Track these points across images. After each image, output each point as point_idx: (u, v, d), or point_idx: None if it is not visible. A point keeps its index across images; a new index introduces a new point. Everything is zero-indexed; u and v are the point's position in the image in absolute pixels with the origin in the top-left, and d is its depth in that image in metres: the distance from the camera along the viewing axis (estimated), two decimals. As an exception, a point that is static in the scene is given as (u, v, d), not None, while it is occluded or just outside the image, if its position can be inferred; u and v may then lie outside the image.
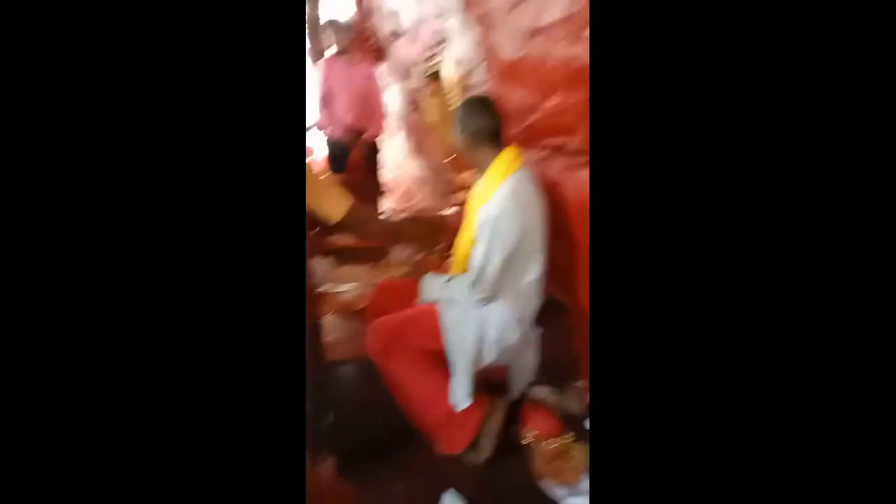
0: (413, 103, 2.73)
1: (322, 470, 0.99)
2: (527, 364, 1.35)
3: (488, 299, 1.28)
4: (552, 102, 1.21)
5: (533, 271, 1.28)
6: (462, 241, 1.40)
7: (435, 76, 2.25)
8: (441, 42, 1.85)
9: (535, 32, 1.19)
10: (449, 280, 1.35)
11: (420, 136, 2.88)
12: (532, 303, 1.30)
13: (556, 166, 1.33)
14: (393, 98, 3.03)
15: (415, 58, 2.31)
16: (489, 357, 1.28)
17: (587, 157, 1.13)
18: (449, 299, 1.32)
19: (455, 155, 2.31)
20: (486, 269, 1.24)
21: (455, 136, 1.31)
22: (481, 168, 1.31)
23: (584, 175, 1.19)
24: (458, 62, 1.64)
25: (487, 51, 1.50)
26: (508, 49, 1.36)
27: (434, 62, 2.07)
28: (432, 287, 1.36)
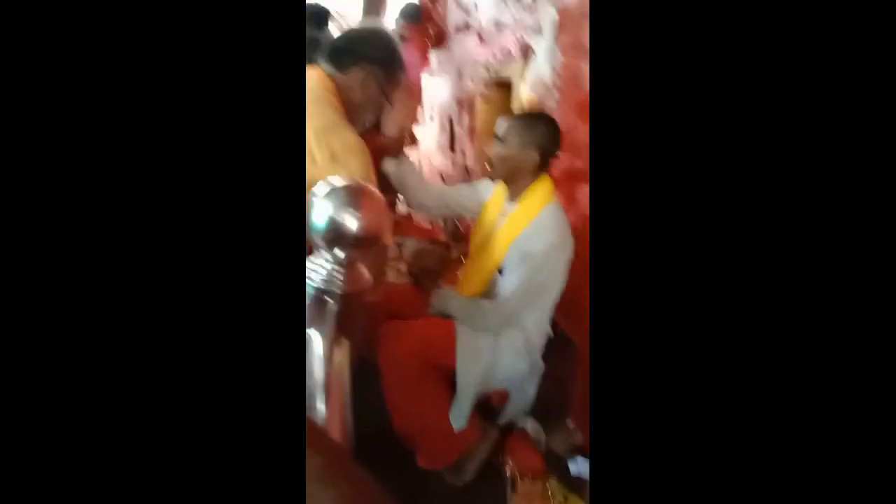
0: (461, 102, 2.69)
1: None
2: (526, 394, 1.35)
3: (506, 327, 1.27)
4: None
5: (551, 303, 1.27)
6: (484, 262, 1.33)
7: (497, 85, 2.22)
8: (521, 55, 1.82)
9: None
10: (469, 303, 1.30)
11: (456, 134, 2.85)
12: (544, 334, 1.30)
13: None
14: (439, 90, 2.99)
15: (482, 59, 2.28)
16: (494, 383, 1.27)
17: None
18: (466, 320, 1.27)
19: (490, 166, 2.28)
20: (513, 303, 1.22)
21: (506, 144, 1.21)
22: (514, 189, 1.26)
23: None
24: (535, 83, 1.62)
25: (570, 80, 1.49)
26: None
27: (505, 71, 2.04)
28: (449, 304, 1.31)
